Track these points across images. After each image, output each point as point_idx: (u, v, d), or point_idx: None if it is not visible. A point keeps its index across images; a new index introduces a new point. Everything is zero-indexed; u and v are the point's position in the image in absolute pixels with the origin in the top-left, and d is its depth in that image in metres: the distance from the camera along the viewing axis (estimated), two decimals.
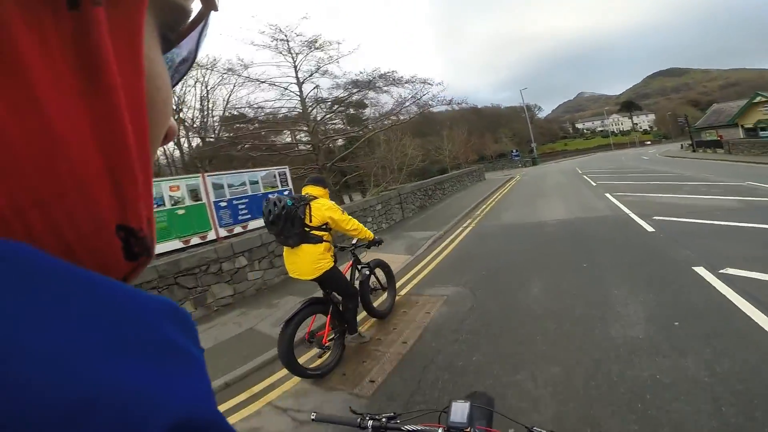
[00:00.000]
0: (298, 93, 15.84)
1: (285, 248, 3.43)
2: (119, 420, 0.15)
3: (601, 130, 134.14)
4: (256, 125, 16.48)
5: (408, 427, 1.06)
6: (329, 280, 3.49)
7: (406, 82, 16.57)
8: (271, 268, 6.77)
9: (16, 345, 0.13)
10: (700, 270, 4.39)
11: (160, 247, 5.81)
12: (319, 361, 3.52)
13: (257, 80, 14.80)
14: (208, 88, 17.06)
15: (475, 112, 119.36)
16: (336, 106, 19.55)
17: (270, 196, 3.52)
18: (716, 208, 7.70)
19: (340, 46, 15.68)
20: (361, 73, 16.38)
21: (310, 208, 3.36)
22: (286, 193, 8.58)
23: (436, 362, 3.29)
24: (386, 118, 20.88)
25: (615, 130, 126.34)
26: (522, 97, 58.55)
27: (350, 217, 3.61)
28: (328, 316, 3.51)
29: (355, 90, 16.22)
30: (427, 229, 9.69)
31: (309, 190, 3.58)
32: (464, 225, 10.00)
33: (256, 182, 7.90)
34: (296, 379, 3.38)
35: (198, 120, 17.35)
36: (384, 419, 1.10)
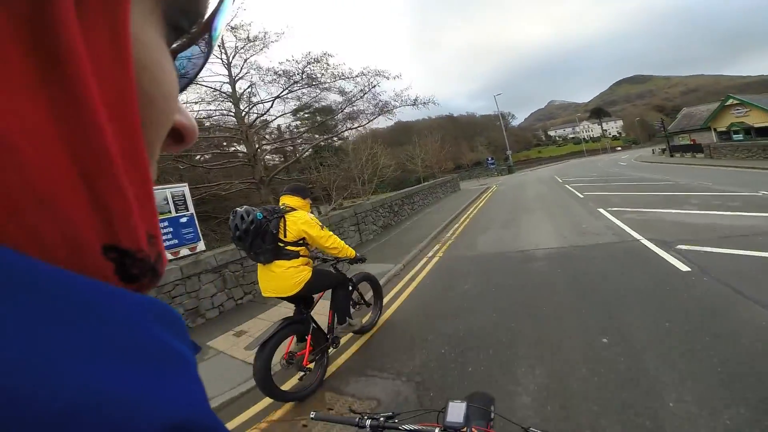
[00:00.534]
0: (230, 93, 13.48)
1: (258, 265, 3.16)
2: (107, 426, 0.14)
3: (573, 137, 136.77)
4: None
5: (406, 427, 1.08)
6: (315, 284, 3.24)
7: (356, 76, 14.45)
8: (236, 287, 6.27)
9: None
10: None
11: None
12: (299, 384, 3.25)
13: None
14: None
15: (451, 120, 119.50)
16: (291, 112, 17.36)
17: (238, 208, 3.06)
18: (751, 230, 5.82)
19: (270, 35, 13.37)
20: (288, 60, 13.88)
21: (285, 221, 3.11)
22: (184, 220, 6.30)
23: None
24: (342, 122, 18.71)
25: (586, 137, 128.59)
26: (496, 103, 57.67)
27: (330, 233, 3.33)
28: (309, 336, 3.28)
29: (294, 85, 13.85)
30: (383, 260, 7.51)
31: (286, 200, 3.32)
32: (430, 254, 7.87)
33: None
34: None
35: None
36: (382, 419, 1.12)
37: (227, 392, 3.41)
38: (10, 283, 0.13)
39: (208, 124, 13.65)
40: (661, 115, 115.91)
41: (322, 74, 14.09)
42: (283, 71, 13.70)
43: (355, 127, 18.42)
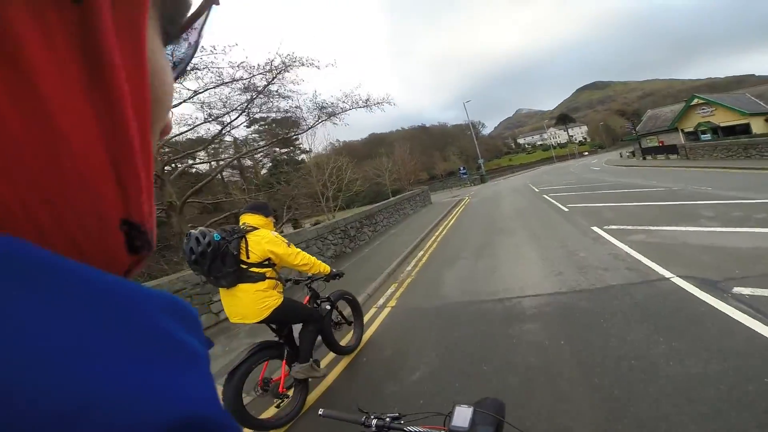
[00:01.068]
0: None
1: (221, 290, 2.93)
2: (116, 422, 0.14)
3: (541, 144, 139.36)
4: None
5: (411, 428, 1.09)
6: (283, 314, 3.02)
7: (280, 71, 12.34)
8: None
9: (9, 347, 0.13)
10: None
11: None
12: (274, 412, 3.08)
13: None
14: None
15: (424, 131, 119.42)
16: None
17: (192, 231, 2.78)
18: None
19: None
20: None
21: (246, 242, 2.91)
22: None
23: None
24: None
25: (554, 143, 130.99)
26: (466, 111, 56.71)
27: (298, 250, 3.12)
28: (284, 360, 3.12)
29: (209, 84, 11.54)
30: None
31: (247, 219, 3.09)
32: (380, 302, 5.75)
33: None
34: None
35: None
36: (388, 419, 1.13)
37: None
38: (27, 275, 0.14)
39: None
40: (622, 119, 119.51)
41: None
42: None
43: (297, 134, 16.24)
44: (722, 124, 28.98)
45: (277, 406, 3.05)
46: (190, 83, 11.07)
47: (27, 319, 0.14)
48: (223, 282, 2.83)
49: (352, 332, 4.25)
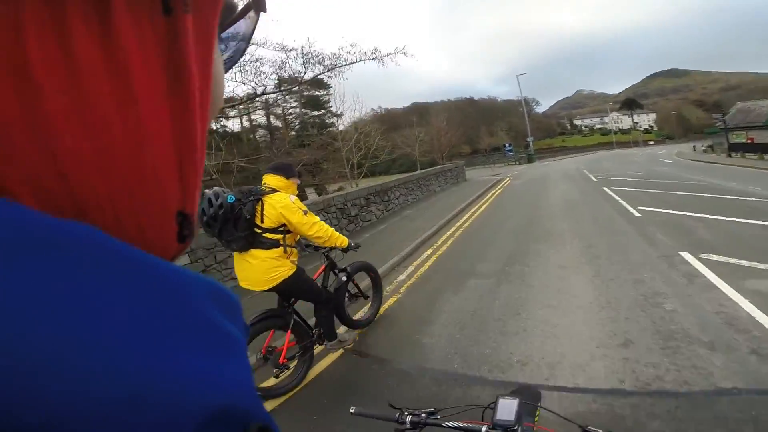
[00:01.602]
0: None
1: (234, 253, 2.89)
2: (163, 409, 0.15)
3: (600, 128, 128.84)
4: None
5: (449, 424, 1.05)
6: (292, 288, 2.95)
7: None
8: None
9: (81, 329, 0.14)
10: None
11: None
12: (273, 382, 2.97)
13: None
14: None
15: (471, 104, 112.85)
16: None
17: (206, 191, 2.72)
18: None
19: None
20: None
21: (262, 204, 2.78)
22: None
23: None
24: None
25: (615, 129, 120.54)
26: (519, 84, 51.90)
27: (315, 219, 2.93)
28: (288, 331, 2.98)
29: None
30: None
31: (267, 179, 2.92)
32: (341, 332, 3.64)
33: None
34: None
35: None
36: (423, 414, 1.09)
37: None
38: (102, 263, 0.15)
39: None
40: (699, 110, 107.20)
41: None
42: None
43: (291, 88, 14.20)
44: None
45: (276, 377, 2.94)
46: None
47: (100, 304, 0.15)
48: (234, 246, 2.76)
49: (369, 305, 4.07)
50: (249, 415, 0.19)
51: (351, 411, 1.20)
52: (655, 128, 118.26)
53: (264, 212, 2.76)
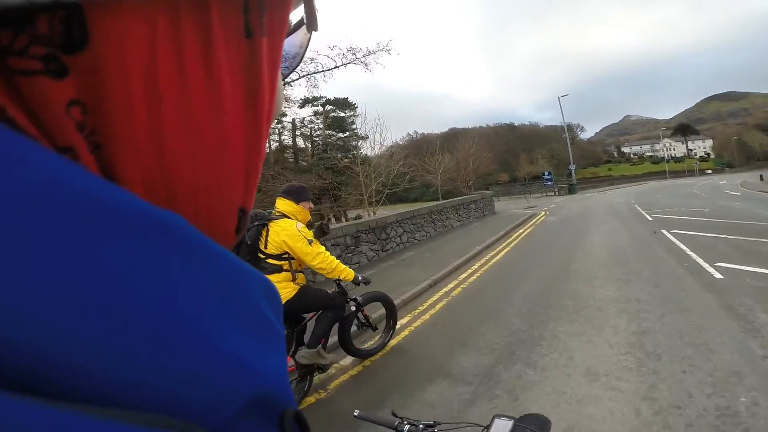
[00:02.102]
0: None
1: None
2: (218, 387, 0.16)
3: (651, 156, 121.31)
4: None
5: None
6: (299, 306, 2.91)
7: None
8: None
9: (160, 307, 0.15)
10: None
11: None
12: None
13: None
14: None
15: (511, 130, 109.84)
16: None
17: None
18: None
19: None
20: None
21: (267, 230, 2.77)
22: None
23: None
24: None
25: (667, 156, 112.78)
26: (560, 106, 48.66)
27: (320, 250, 2.87)
28: (288, 356, 2.83)
29: None
30: None
31: (277, 204, 2.92)
32: None
33: None
34: None
35: None
36: (422, 426, 1.12)
37: None
38: (185, 250, 0.17)
39: None
40: (763, 135, 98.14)
41: None
42: None
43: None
44: None
45: None
46: None
47: (181, 285, 0.16)
48: None
49: (377, 337, 3.95)
50: (285, 402, 0.21)
51: (354, 414, 1.27)
52: (712, 155, 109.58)
53: (268, 238, 2.71)
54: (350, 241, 8.27)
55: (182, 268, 0.17)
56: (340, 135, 29.28)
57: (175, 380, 0.15)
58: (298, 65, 0.33)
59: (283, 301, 2.15)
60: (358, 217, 23.93)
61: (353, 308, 3.44)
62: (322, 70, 11.80)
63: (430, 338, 4.40)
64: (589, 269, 6.79)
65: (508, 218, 15.78)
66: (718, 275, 5.60)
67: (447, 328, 4.64)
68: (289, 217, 2.82)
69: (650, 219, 12.48)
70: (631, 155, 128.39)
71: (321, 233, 3.29)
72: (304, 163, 30.55)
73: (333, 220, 26.58)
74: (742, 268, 5.82)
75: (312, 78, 12.25)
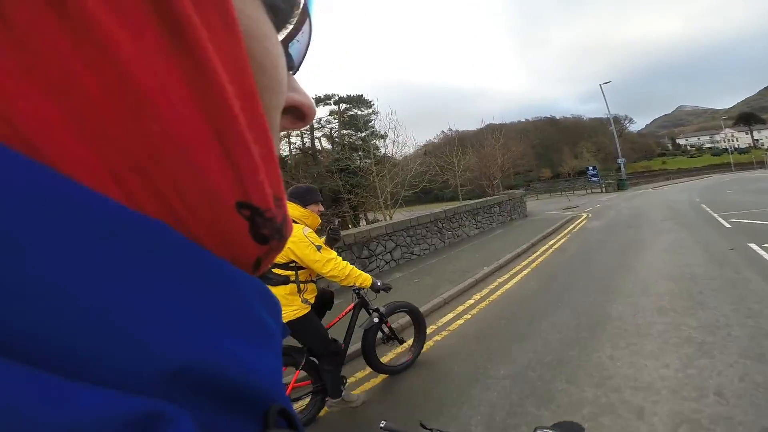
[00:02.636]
0: None
1: None
2: (202, 381, 0.16)
3: (710, 147, 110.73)
4: None
5: None
6: (296, 333, 2.73)
7: None
8: None
9: (137, 309, 0.15)
10: None
11: None
12: None
13: None
14: None
15: (551, 123, 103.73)
16: None
17: None
18: None
19: None
20: None
21: None
22: None
23: None
24: None
25: (730, 147, 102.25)
26: (603, 94, 43.90)
27: (331, 256, 2.69)
28: (297, 370, 2.82)
29: None
30: None
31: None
32: None
33: None
34: None
35: None
36: None
37: None
38: (168, 256, 0.16)
39: None
40: None
41: None
42: None
43: None
44: None
45: None
46: None
47: (159, 290, 0.16)
48: None
49: (404, 349, 3.78)
50: (276, 400, 0.20)
51: (381, 426, 1.22)
52: None
53: None
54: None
55: (154, 272, 0.16)
56: (360, 134, 27.44)
57: (158, 376, 0.15)
58: (309, 42, 0.28)
59: (287, 320, 2.36)
60: (375, 220, 22.00)
61: (376, 320, 3.19)
62: None
63: None
64: (638, 316, 4.33)
65: (539, 224, 13.14)
66: None
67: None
68: (296, 222, 2.63)
69: (727, 225, 9.29)
70: (688, 147, 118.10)
71: (332, 241, 3.00)
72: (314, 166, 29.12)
73: (337, 224, 24.78)
74: None
75: None
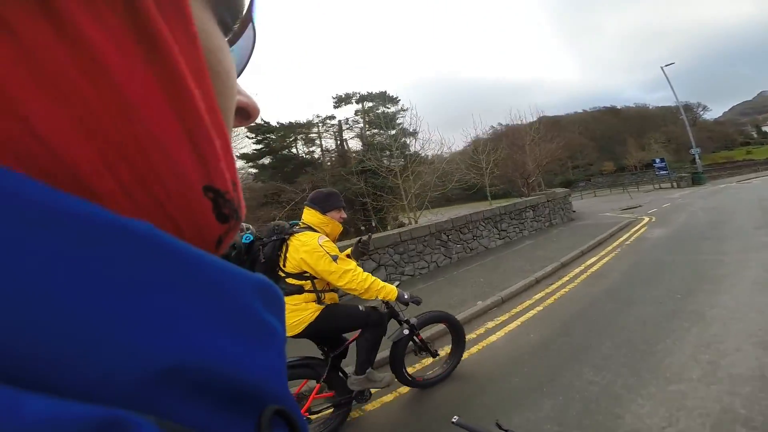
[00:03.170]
0: None
1: None
2: (192, 381, 0.17)
3: None
4: None
5: None
6: (325, 327, 2.53)
7: None
8: None
9: (117, 314, 0.15)
10: None
11: None
12: None
13: None
14: None
15: (612, 113, 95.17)
16: None
17: None
18: None
19: None
20: None
21: (287, 246, 2.50)
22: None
23: None
24: None
25: None
26: (666, 76, 37.99)
27: (350, 266, 2.45)
28: (318, 383, 2.66)
29: None
30: None
31: (304, 215, 2.63)
32: None
33: None
34: None
35: None
36: None
37: None
38: (151, 256, 0.17)
39: None
40: None
41: None
42: None
43: None
44: None
45: None
46: None
47: (145, 292, 0.16)
48: None
49: (438, 364, 3.46)
50: (276, 399, 0.20)
51: (453, 420, 1.19)
52: None
53: (287, 255, 2.47)
54: None
55: (142, 271, 0.17)
56: (390, 132, 25.61)
57: (148, 378, 0.15)
58: (253, 48, 0.31)
59: (305, 324, 2.34)
60: (400, 225, 20.13)
61: (406, 332, 2.93)
62: None
63: None
64: None
65: (583, 232, 10.50)
66: None
67: None
68: (315, 230, 2.51)
69: None
70: None
71: (359, 254, 2.81)
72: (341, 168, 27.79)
73: (368, 238, 23.16)
74: None
75: None
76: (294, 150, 34.42)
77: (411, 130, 21.90)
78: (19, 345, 0.13)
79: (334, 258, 2.39)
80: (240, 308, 0.20)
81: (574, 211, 16.68)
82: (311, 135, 34.49)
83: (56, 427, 0.12)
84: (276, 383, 0.21)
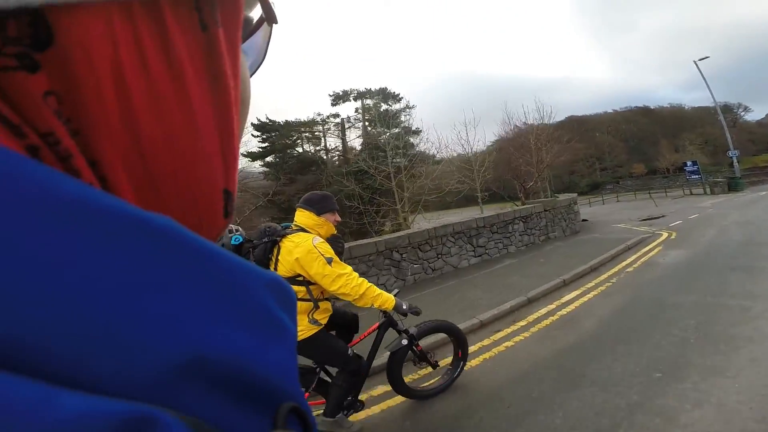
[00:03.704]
0: None
1: None
2: (208, 374, 0.17)
3: None
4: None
5: None
6: (307, 352, 2.48)
7: None
8: None
9: (140, 309, 0.16)
10: None
11: None
12: None
13: None
14: None
15: (643, 113, 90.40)
16: None
17: None
18: None
19: None
20: None
21: (279, 248, 2.42)
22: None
23: None
24: None
25: None
26: (701, 73, 34.46)
27: (345, 270, 2.34)
28: (307, 392, 2.67)
29: None
30: None
31: (297, 216, 2.53)
32: None
33: None
34: None
35: None
36: None
37: None
38: (172, 250, 0.18)
39: None
40: None
41: None
42: None
43: None
44: None
45: None
46: None
47: (163, 285, 0.17)
48: None
49: (438, 377, 3.40)
50: (288, 396, 0.21)
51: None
52: None
53: (279, 257, 2.37)
54: None
55: (163, 266, 0.17)
56: (394, 131, 24.21)
57: (167, 372, 0.16)
58: (264, 58, 0.35)
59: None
60: (397, 228, 18.77)
61: (404, 342, 2.87)
62: None
63: None
64: None
65: (581, 250, 8.74)
66: None
67: None
68: (308, 232, 2.42)
69: None
70: None
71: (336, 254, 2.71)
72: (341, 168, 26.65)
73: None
74: None
75: None
76: (299, 149, 33.52)
77: (414, 129, 20.53)
78: (44, 339, 0.13)
79: (329, 260, 2.30)
80: (254, 304, 0.21)
81: (585, 220, 14.79)
82: (317, 133, 33.47)
83: (89, 422, 0.12)
84: (288, 380, 0.21)
